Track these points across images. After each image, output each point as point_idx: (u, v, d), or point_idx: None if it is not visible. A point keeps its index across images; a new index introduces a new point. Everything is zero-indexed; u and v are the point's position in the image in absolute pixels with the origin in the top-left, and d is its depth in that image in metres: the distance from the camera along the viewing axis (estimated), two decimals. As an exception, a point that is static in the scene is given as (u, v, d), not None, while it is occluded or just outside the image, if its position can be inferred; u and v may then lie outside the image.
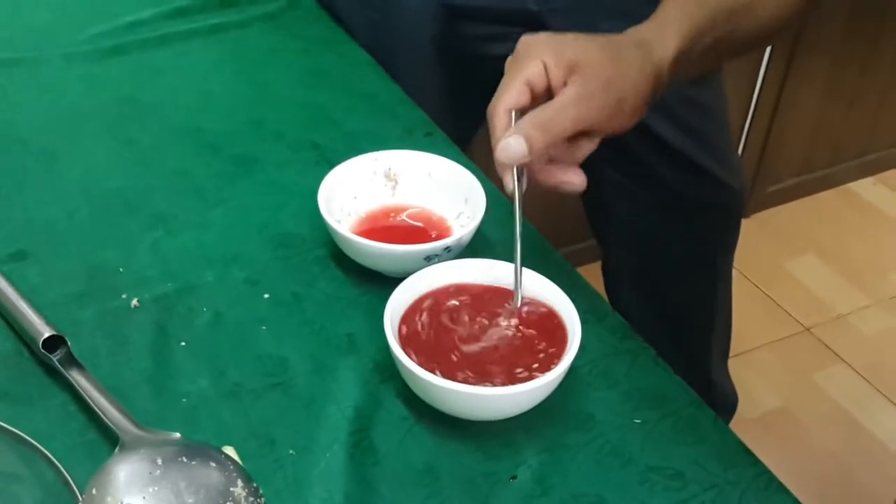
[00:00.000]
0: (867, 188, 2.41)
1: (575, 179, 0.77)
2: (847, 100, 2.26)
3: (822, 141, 2.30)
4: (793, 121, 2.20)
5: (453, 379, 0.68)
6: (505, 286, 0.76)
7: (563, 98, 0.74)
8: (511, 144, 0.72)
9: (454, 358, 0.71)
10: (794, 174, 2.33)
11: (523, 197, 0.75)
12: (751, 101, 2.13)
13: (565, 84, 0.74)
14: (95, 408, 0.69)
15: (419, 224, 0.87)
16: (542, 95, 0.75)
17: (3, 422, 0.67)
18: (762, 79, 2.09)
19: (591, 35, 0.77)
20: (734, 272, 1.42)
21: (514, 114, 0.74)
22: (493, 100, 0.76)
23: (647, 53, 0.76)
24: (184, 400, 0.72)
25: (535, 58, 0.74)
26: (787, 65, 2.09)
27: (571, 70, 0.74)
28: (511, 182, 0.75)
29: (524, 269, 0.76)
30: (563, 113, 0.73)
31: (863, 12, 2.12)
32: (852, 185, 2.41)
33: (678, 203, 1.26)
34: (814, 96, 2.19)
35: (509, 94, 0.75)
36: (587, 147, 0.78)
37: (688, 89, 1.19)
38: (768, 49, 2.05)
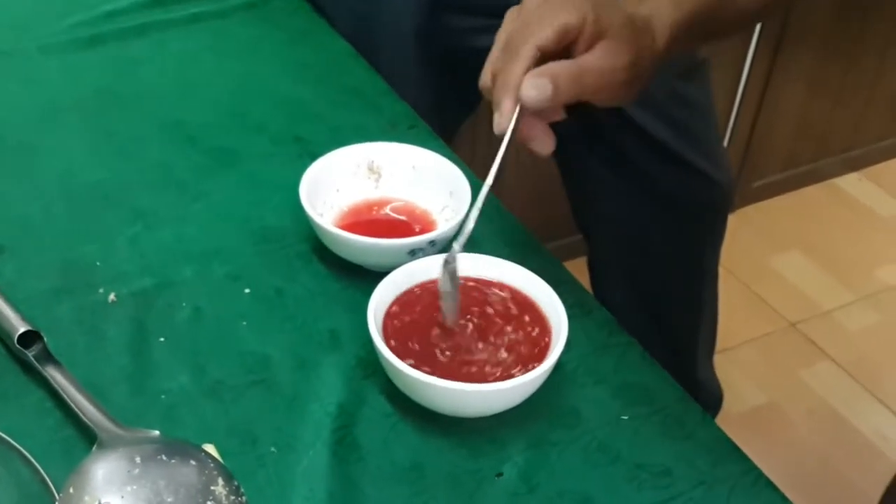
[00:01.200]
0: (852, 183, 2.41)
1: (549, 140, 0.76)
2: (832, 94, 2.27)
3: (807, 136, 2.30)
4: (778, 116, 2.20)
5: (438, 375, 0.67)
6: (490, 279, 0.75)
7: (595, 60, 0.71)
8: (541, 85, 0.70)
9: (439, 354, 0.70)
10: (780, 169, 2.33)
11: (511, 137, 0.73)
12: (736, 96, 2.13)
13: (590, 47, 0.72)
14: (72, 405, 0.68)
15: (403, 218, 0.86)
16: (563, 48, 0.72)
17: (-23, 420, 0.66)
18: (747, 73, 2.09)
19: (616, 4, 0.74)
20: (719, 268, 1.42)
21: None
22: (522, 30, 0.72)
23: (653, 39, 0.75)
24: (163, 397, 0.71)
25: (577, 7, 0.71)
26: (772, 59, 2.09)
27: (600, 35, 0.72)
28: (508, 119, 0.72)
29: (510, 264, 0.75)
30: (592, 74, 0.72)
31: (848, 6, 2.12)
32: (837, 181, 2.41)
33: (664, 198, 1.26)
34: (799, 91, 2.19)
35: (546, 33, 0.71)
36: (561, 113, 0.76)
37: (675, 84, 1.19)
38: (753, 43, 2.05)
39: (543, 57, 0.72)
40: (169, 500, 0.61)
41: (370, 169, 0.87)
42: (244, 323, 0.77)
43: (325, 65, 1.09)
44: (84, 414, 0.67)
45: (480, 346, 0.71)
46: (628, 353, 0.77)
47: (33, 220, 0.86)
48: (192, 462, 0.63)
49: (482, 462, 0.68)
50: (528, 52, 0.71)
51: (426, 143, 0.91)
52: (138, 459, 0.63)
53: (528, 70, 0.71)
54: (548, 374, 0.69)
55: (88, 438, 0.66)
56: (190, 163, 0.94)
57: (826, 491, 1.69)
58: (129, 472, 0.62)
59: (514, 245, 0.85)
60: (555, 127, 1.36)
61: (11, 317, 0.73)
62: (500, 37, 0.75)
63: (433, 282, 0.75)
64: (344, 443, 0.69)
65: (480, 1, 1.12)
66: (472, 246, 0.82)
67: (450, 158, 0.88)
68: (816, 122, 2.29)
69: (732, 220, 1.37)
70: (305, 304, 0.79)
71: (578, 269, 1.13)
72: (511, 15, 0.76)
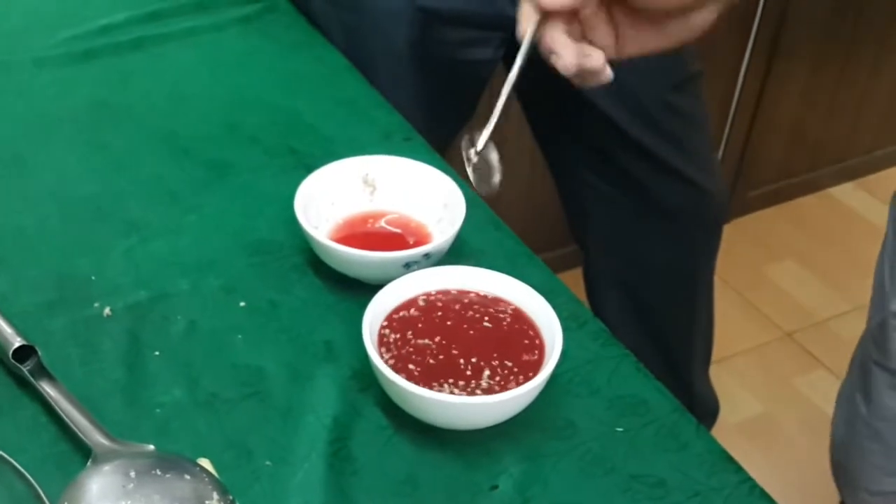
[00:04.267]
0: (847, 193, 2.42)
1: (600, 59, 0.69)
2: (826, 104, 2.27)
3: (801, 146, 2.31)
4: (772, 126, 2.21)
5: (433, 388, 0.67)
6: (485, 292, 0.76)
7: None
8: None
9: (434, 366, 0.70)
10: (774, 179, 2.33)
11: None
12: (730, 108, 2.13)
13: None
14: (67, 419, 0.68)
15: (398, 230, 0.86)
16: None
17: (-28, 434, 0.66)
18: (741, 84, 2.10)
19: None
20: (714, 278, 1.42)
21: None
22: None
23: None
24: (158, 411, 0.71)
25: None
26: (765, 70, 2.09)
27: None
28: (525, 23, 0.69)
29: (505, 276, 0.75)
30: None
31: (840, 17, 2.13)
32: (832, 190, 2.42)
33: (657, 209, 1.26)
34: (793, 101, 2.20)
35: None
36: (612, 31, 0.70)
37: (668, 96, 1.19)
38: (747, 56, 2.06)
39: None
40: (164, 514, 0.61)
41: (365, 181, 0.87)
42: (239, 336, 0.77)
43: (320, 77, 1.09)
44: (78, 428, 0.67)
45: (475, 358, 0.71)
46: (623, 364, 0.77)
47: (27, 233, 0.86)
48: (187, 476, 0.63)
49: (477, 474, 0.68)
50: None
51: (421, 155, 0.91)
52: (133, 474, 0.62)
53: None
54: (542, 386, 0.69)
55: (83, 453, 0.66)
56: (184, 175, 0.94)
57: (822, 500, 1.68)
58: (123, 486, 0.62)
59: (509, 257, 0.85)
60: (550, 139, 1.37)
61: (6, 331, 0.73)
62: None
63: (428, 294, 0.75)
64: (339, 455, 0.68)
65: (472, 13, 1.12)
66: (466, 258, 0.82)
67: (444, 171, 0.88)
68: (810, 132, 2.30)
69: (727, 230, 1.38)
70: (300, 317, 0.79)
71: (573, 279, 1.13)
72: None
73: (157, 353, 0.75)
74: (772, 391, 1.91)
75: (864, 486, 1.25)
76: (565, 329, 0.71)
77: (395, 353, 0.71)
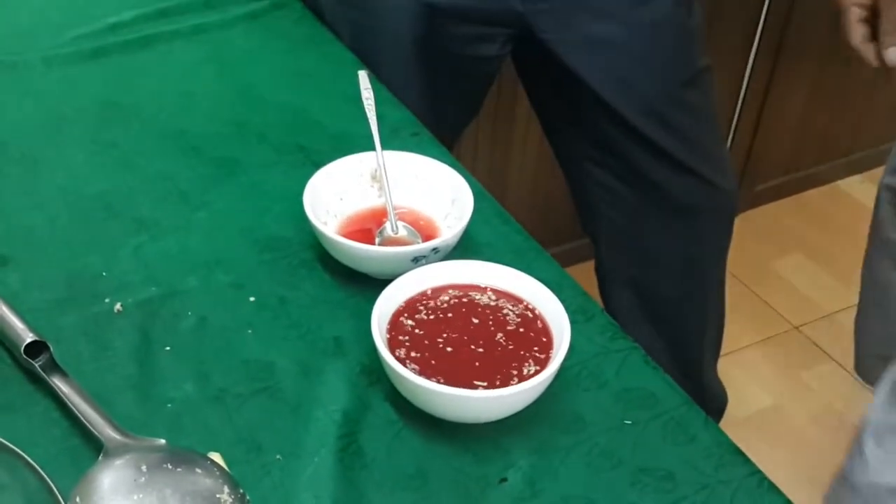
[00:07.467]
0: (855, 186, 2.41)
1: None
2: (833, 98, 2.27)
3: (809, 139, 2.30)
4: (780, 119, 2.20)
5: (442, 381, 0.68)
6: (493, 286, 0.76)
7: None
8: None
9: (443, 360, 0.71)
10: (782, 173, 2.33)
11: None
12: (738, 101, 2.13)
13: None
14: (79, 414, 0.68)
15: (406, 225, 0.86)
16: None
17: (-15, 430, 0.66)
18: (748, 78, 2.10)
19: None
20: (722, 271, 1.42)
21: None
22: None
23: None
24: (169, 405, 0.72)
25: None
26: (773, 63, 2.09)
27: None
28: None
29: (513, 270, 0.76)
30: None
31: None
32: (840, 184, 2.41)
33: (667, 204, 1.26)
34: (800, 95, 2.19)
35: None
36: None
37: (679, 92, 1.19)
38: (754, 49, 2.05)
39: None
40: (175, 508, 0.61)
41: (373, 177, 0.88)
42: (249, 331, 0.78)
43: (328, 74, 1.09)
44: (90, 423, 0.67)
45: (483, 351, 0.72)
46: (630, 357, 0.77)
47: (38, 231, 0.87)
48: (198, 470, 0.63)
49: (486, 468, 0.68)
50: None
51: (429, 151, 0.91)
52: (144, 468, 0.63)
53: None
54: (551, 379, 0.69)
55: (95, 447, 0.66)
56: (193, 173, 0.94)
57: (831, 494, 1.69)
58: (135, 480, 0.62)
59: (517, 251, 0.86)
60: (558, 134, 1.36)
61: (18, 327, 0.73)
62: None
63: (437, 289, 0.75)
64: (349, 450, 0.69)
65: (477, 9, 1.12)
66: (474, 253, 0.82)
67: (452, 166, 0.88)
68: (817, 125, 2.29)
69: (735, 223, 1.37)
70: (310, 312, 0.80)
71: (581, 273, 1.13)
72: None
73: (167, 348, 0.76)
74: (780, 384, 1.91)
75: (868, 351, 1.27)
76: (573, 323, 0.72)
77: (404, 347, 0.71)
